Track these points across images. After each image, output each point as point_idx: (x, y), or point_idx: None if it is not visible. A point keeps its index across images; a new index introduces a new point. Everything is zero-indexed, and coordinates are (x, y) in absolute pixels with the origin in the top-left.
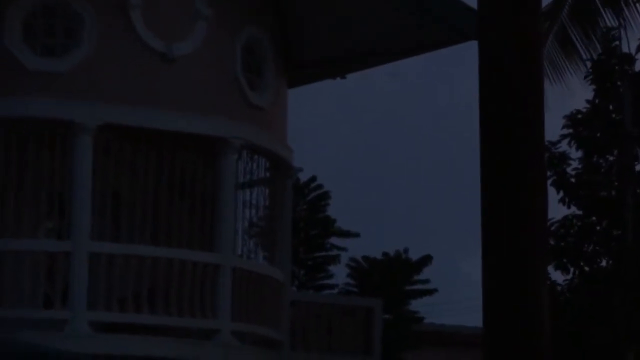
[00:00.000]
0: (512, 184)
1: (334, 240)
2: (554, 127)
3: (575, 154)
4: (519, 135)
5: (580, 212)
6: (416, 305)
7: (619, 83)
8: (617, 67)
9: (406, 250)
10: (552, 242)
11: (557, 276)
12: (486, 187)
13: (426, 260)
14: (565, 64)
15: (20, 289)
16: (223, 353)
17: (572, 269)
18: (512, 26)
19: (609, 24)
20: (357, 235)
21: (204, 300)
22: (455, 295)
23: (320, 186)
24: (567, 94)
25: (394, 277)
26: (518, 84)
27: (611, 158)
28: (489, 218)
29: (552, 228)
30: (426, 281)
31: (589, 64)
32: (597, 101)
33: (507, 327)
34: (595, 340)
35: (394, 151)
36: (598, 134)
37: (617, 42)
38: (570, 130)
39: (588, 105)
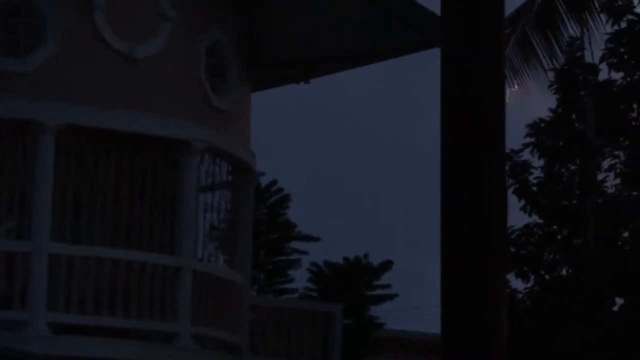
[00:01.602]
0: (472, 190)
1: (295, 244)
2: (516, 135)
3: (538, 162)
4: (479, 141)
5: (541, 221)
6: (377, 311)
7: (582, 93)
8: (580, 77)
9: (366, 256)
10: (512, 250)
11: (518, 284)
12: (446, 193)
13: (387, 265)
14: (524, 68)
15: None
16: (182, 356)
17: (532, 277)
18: (475, 33)
19: (572, 33)
20: (317, 239)
21: (163, 303)
22: (417, 302)
23: (281, 190)
24: (525, 99)
25: (354, 282)
26: (479, 90)
27: (573, 167)
28: (448, 224)
29: (513, 236)
30: (387, 286)
31: (551, 73)
32: (560, 110)
33: (465, 334)
34: (556, 346)
35: (356, 156)
36: (560, 143)
37: (580, 52)
38: (533, 139)
39: (551, 114)
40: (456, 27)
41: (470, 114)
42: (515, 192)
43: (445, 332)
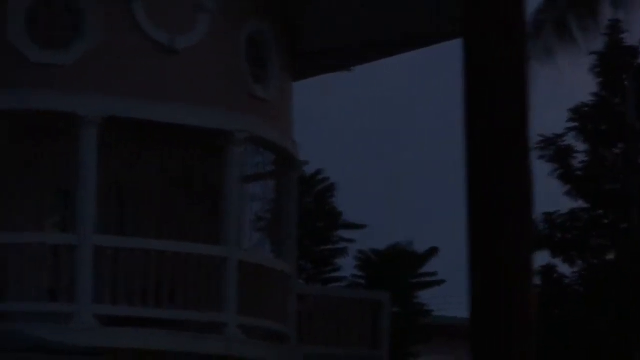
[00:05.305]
0: (497, 175)
1: (342, 232)
2: (559, 119)
3: (581, 146)
4: (502, 126)
5: (587, 205)
6: (428, 298)
7: (624, 76)
8: (622, 60)
9: (411, 243)
10: (559, 235)
11: (565, 269)
12: (471, 179)
13: (432, 252)
14: (561, 50)
15: (25, 282)
16: (229, 347)
17: (579, 262)
18: (497, 16)
19: (610, 15)
20: (363, 227)
21: (210, 294)
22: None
23: (326, 179)
24: (559, 82)
25: (401, 270)
26: (502, 74)
27: (617, 151)
28: (474, 211)
29: (559, 221)
30: (433, 273)
31: (592, 56)
32: (602, 94)
33: (493, 317)
34: (592, 327)
35: (403, 142)
36: (603, 127)
37: (622, 35)
38: (576, 124)
39: (593, 98)
40: (478, 10)
41: (492, 97)
42: (559, 177)
43: (473, 316)
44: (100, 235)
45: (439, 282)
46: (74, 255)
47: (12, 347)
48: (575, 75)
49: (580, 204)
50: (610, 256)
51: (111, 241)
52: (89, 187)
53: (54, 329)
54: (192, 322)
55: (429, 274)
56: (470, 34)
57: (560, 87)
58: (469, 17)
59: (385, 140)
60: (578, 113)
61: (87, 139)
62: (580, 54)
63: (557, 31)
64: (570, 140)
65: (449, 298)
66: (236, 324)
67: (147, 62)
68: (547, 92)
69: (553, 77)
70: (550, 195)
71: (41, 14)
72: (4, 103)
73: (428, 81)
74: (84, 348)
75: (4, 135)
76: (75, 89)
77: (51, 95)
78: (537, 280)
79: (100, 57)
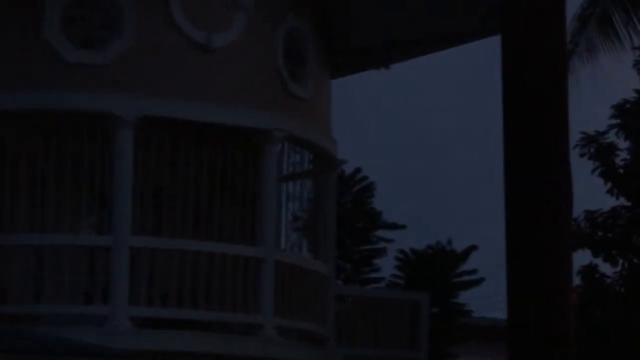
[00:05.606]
0: (536, 173)
1: (381, 232)
2: (602, 116)
3: (624, 144)
4: (542, 124)
5: (629, 204)
6: (468, 298)
7: None
8: None
9: (450, 241)
10: (600, 233)
11: (606, 268)
12: (510, 178)
13: (471, 250)
14: (603, 45)
15: (60, 284)
16: (266, 349)
17: (621, 261)
18: (536, 14)
19: None
20: (403, 227)
21: (246, 295)
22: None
23: (365, 178)
24: (601, 77)
25: (440, 269)
26: (541, 72)
27: None
28: (513, 212)
29: (600, 219)
30: (473, 272)
31: (635, 52)
32: None
33: (531, 317)
34: (633, 327)
35: (442, 140)
36: None
37: None
38: (619, 120)
39: (636, 95)
40: (517, 8)
41: (531, 96)
42: (601, 174)
43: (512, 319)
44: (135, 236)
45: (478, 281)
46: (110, 256)
47: (46, 349)
48: (618, 72)
49: (622, 201)
50: None
51: (147, 242)
52: (125, 188)
53: (88, 332)
54: (228, 324)
55: (469, 272)
56: (508, 32)
57: (602, 84)
58: (507, 15)
59: (425, 139)
60: (620, 110)
61: (123, 139)
62: (623, 50)
63: (600, 27)
64: (612, 137)
65: (491, 298)
66: (273, 325)
67: (183, 61)
68: (589, 88)
69: (595, 73)
70: (593, 193)
71: (77, 12)
72: (40, 103)
73: (467, 79)
74: (119, 350)
75: (39, 136)
76: (112, 88)
77: (87, 95)
78: (578, 280)
79: (137, 56)
